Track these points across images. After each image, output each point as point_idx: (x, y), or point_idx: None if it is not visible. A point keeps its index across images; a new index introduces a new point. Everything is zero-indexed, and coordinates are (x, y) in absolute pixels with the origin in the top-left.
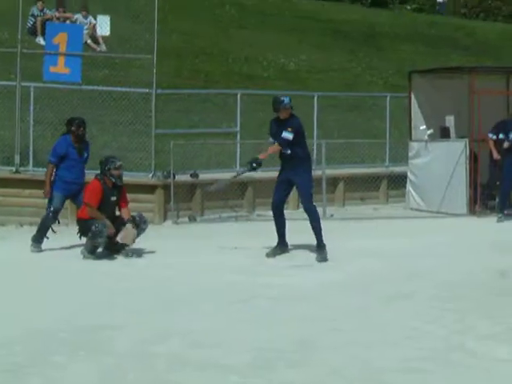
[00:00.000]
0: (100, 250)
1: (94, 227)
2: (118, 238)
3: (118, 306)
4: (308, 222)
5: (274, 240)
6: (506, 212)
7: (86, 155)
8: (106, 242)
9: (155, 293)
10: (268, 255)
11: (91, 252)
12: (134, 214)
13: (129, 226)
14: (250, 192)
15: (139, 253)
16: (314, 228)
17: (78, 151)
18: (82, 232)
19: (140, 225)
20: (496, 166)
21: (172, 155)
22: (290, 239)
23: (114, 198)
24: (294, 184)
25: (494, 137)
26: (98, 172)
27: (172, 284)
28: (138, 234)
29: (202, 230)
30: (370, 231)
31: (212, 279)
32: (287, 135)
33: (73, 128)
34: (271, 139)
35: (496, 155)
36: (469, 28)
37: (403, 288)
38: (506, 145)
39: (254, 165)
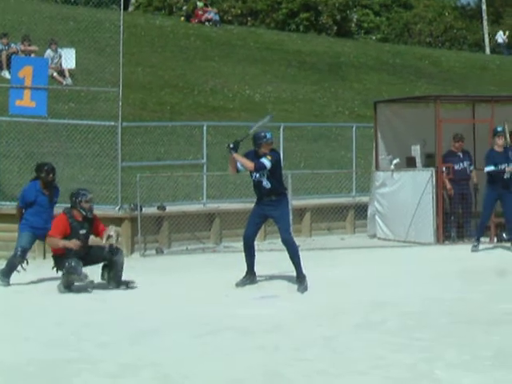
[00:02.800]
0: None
1: (67, 264)
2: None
3: (86, 340)
4: (275, 252)
5: (241, 271)
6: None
7: (55, 200)
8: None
9: (123, 326)
10: (237, 285)
11: (67, 287)
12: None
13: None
14: (216, 224)
15: (107, 286)
16: (292, 259)
17: (49, 198)
18: (58, 267)
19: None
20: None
21: (138, 188)
22: (257, 270)
23: (83, 231)
24: (268, 218)
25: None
26: (67, 205)
27: (140, 316)
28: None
29: (170, 263)
30: (338, 261)
31: (180, 311)
32: (265, 161)
33: (42, 175)
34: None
35: (449, 186)
36: (434, 57)
37: (370, 317)
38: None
39: (231, 145)
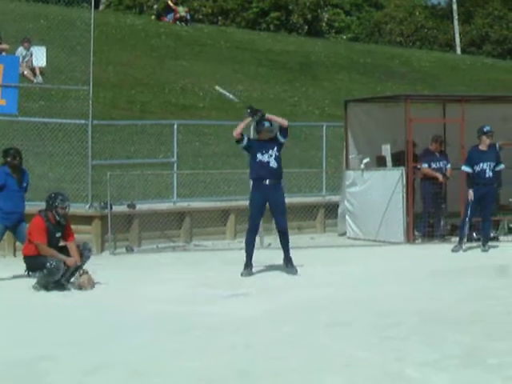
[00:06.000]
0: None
1: (49, 264)
2: (77, 286)
3: (55, 338)
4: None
5: (211, 270)
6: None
7: (25, 184)
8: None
9: (94, 324)
10: (243, 274)
11: (45, 287)
12: (78, 243)
13: (85, 274)
14: (187, 222)
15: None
16: (287, 246)
17: (18, 181)
18: (31, 269)
19: (84, 252)
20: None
21: (109, 186)
22: (226, 270)
23: (58, 234)
24: (267, 202)
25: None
26: (43, 207)
27: (110, 315)
28: (83, 263)
29: (140, 261)
30: (307, 260)
31: (150, 309)
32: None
33: (8, 159)
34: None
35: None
36: (404, 56)
37: (340, 316)
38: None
39: (249, 111)
